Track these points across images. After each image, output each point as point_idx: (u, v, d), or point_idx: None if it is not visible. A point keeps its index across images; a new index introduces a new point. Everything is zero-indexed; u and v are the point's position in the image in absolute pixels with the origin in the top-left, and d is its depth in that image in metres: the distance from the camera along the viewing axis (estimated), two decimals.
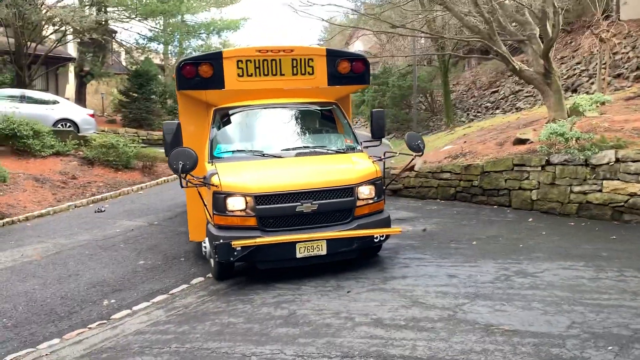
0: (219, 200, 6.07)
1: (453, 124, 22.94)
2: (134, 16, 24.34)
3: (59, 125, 16.63)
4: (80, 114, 17.24)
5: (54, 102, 16.99)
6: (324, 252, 6.06)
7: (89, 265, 7.68)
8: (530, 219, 8.69)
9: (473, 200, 10.23)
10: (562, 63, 21.95)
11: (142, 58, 32.02)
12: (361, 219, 6.32)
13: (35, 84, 24.48)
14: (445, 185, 10.72)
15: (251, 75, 7.19)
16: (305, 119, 7.56)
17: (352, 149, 7.13)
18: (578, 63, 21.36)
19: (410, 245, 7.45)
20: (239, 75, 7.15)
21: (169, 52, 36.55)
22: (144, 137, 22.78)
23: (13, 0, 19.80)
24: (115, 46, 33.64)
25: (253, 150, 6.90)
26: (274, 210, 6.06)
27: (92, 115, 17.76)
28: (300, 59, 7.28)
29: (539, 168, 9.08)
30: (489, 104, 25.57)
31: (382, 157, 7.15)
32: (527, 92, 23.52)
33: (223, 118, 7.29)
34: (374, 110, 8.02)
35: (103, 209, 11.72)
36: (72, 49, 28.94)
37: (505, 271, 5.93)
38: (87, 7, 24.56)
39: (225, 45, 42.31)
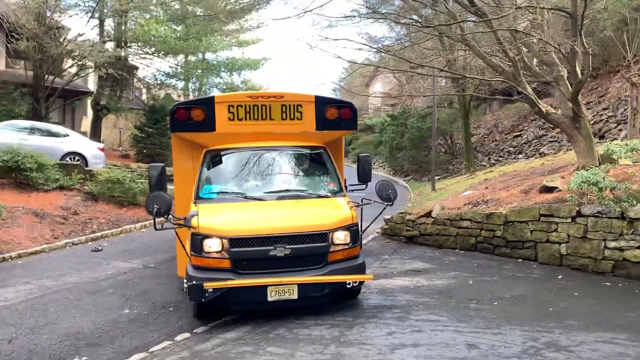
0: (196, 241, 6.18)
1: (474, 168, 22.17)
2: (150, 52, 24.34)
3: (68, 159, 16.24)
4: (89, 148, 16.86)
5: (64, 135, 16.65)
6: (295, 296, 6.06)
7: (69, 312, 6.98)
8: (559, 276, 7.81)
9: (495, 252, 9.39)
10: (588, 108, 21.17)
11: (162, 94, 32.23)
12: (335, 264, 6.32)
13: (52, 117, 24.43)
14: (465, 235, 9.90)
15: (242, 119, 7.35)
16: (292, 162, 7.69)
17: (334, 193, 7.14)
18: (605, 109, 20.59)
19: (425, 304, 6.62)
20: (229, 119, 7.32)
21: (189, 88, 36.81)
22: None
23: (34, 33, 19.89)
24: (136, 82, 33.98)
25: (237, 192, 7.01)
26: (248, 253, 6.15)
27: (102, 150, 17.39)
28: (290, 105, 7.42)
29: (569, 219, 8.25)
30: (511, 149, 24.77)
31: (360, 203, 7.08)
32: (551, 137, 22.72)
33: (212, 159, 7.47)
34: (360, 154, 8.08)
35: (100, 248, 11.10)
36: (91, 83, 29.14)
37: (534, 342, 5.07)
38: (107, 41, 24.68)
39: (245, 83, 42.63)
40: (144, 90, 34.60)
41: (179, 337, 5.92)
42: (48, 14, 20.34)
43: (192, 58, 34.00)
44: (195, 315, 6.72)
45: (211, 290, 5.88)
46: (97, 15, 23.19)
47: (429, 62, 15.95)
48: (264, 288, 5.98)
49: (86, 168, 15.87)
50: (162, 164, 7.34)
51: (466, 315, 6.09)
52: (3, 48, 23.79)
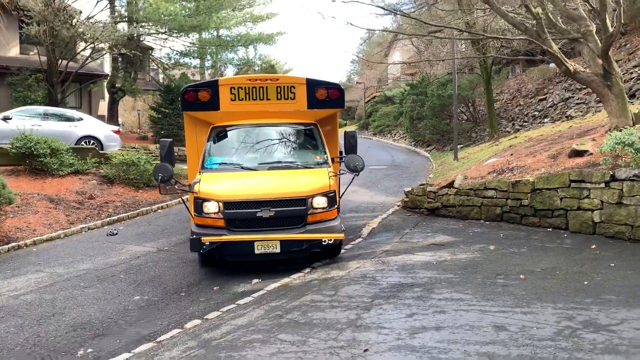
0: (198, 204, 7.48)
1: (497, 135, 21.41)
2: (162, 31, 23.91)
3: (83, 143, 16.08)
4: (104, 131, 16.65)
5: (78, 119, 16.45)
6: (278, 250, 7.30)
7: (78, 300, 6.76)
8: (593, 246, 7.30)
9: (523, 222, 8.88)
10: (618, 67, 20.15)
11: (177, 74, 31.88)
12: (312, 224, 7.43)
13: (68, 101, 24.33)
14: (490, 205, 9.40)
15: (242, 99, 8.60)
16: (285, 137, 8.85)
17: (319, 165, 8.21)
18: (635, 66, 19.57)
19: (448, 281, 6.21)
20: (231, 99, 8.59)
21: (205, 66, 36.40)
22: (175, 154, 22.19)
23: (43, 17, 19.63)
24: (152, 63, 33.70)
25: (235, 163, 8.28)
26: (239, 214, 7.35)
27: (117, 132, 17.18)
28: (284, 86, 8.62)
29: (602, 185, 7.68)
30: (536, 113, 23.85)
31: (338, 173, 8.34)
32: (578, 99, 21.75)
33: (217, 135, 8.74)
34: (346, 130, 9.02)
35: (115, 232, 10.91)
36: (107, 66, 28.95)
37: (569, 321, 4.63)
38: (118, 22, 24.34)
39: (261, 59, 42.02)
40: (160, 71, 34.37)
41: (188, 325, 5.64)
42: None
43: (206, 35, 33.55)
44: (200, 264, 8.12)
45: (208, 243, 7.17)
46: None
47: (447, 26, 15.23)
48: (251, 243, 7.24)
49: (101, 151, 15.70)
50: (170, 140, 8.41)
51: (493, 292, 5.67)
52: (17, 35, 23.64)
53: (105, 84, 26.14)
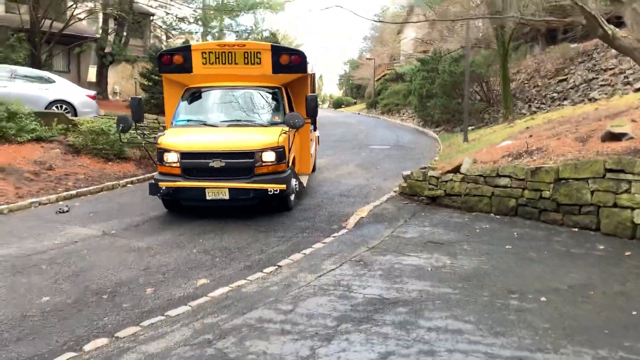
0: (160, 154, 8.34)
1: (512, 116, 19.66)
2: None
3: (54, 108, 14.58)
4: (78, 96, 15.09)
5: (50, 81, 14.91)
6: (227, 197, 8.02)
7: None
8: (628, 253, 5.73)
9: (542, 219, 7.29)
10: None
11: (179, 42, 30.20)
12: (260, 176, 8.08)
13: (54, 64, 22.81)
14: (503, 195, 7.79)
15: (213, 63, 9.46)
16: (249, 98, 9.41)
17: (275, 124, 8.82)
18: None
19: (445, 299, 4.66)
20: (203, 63, 9.47)
21: (208, 33, 34.66)
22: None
23: None
24: (154, 30, 32.01)
25: (199, 120, 9.13)
26: (193, 164, 8.11)
27: (93, 97, 15.61)
28: (251, 52, 9.41)
29: None
30: (555, 95, 21.98)
31: (287, 131, 8.51)
32: (602, 81, 19.87)
33: (188, 95, 9.62)
34: (308, 95, 9.51)
35: (67, 209, 9.44)
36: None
37: None
38: None
39: (269, 31, 40.20)
40: (164, 39, 32.71)
41: (88, 347, 4.15)
42: None
43: (210, 1, 31.84)
44: (164, 205, 8.92)
45: (164, 188, 8.01)
46: None
47: None
48: (202, 189, 7.98)
49: (75, 118, 14.19)
50: (139, 97, 9.48)
51: (504, 321, 4.12)
52: None
53: (95, 47, 24.47)
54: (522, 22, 19.54)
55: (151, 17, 30.96)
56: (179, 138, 8.46)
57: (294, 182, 8.93)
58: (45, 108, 14.35)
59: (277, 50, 9.52)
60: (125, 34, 24.39)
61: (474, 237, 6.82)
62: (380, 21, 33.44)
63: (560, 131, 9.22)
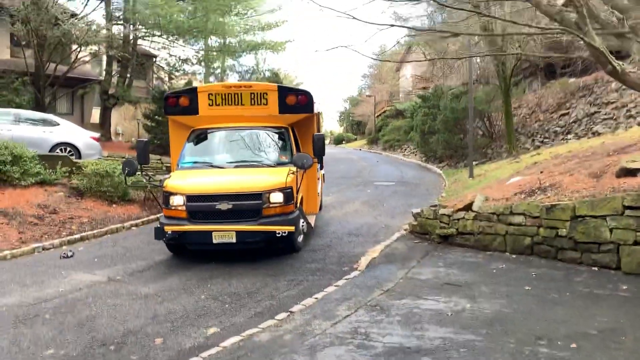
0: (165, 197, 8.23)
1: (517, 151, 19.63)
2: (159, 34, 22.46)
3: (58, 150, 14.55)
4: (82, 138, 15.08)
5: (53, 124, 14.92)
6: (234, 240, 7.80)
7: None
8: None
9: (559, 257, 7.10)
10: None
11: (182, 83, 30.50)
12: (268, 218, 7.89)
13: (57, 107, 22.93)
14: (518, 234, 7.62)
15: (219, 104, 9.38)
16: (255, 138, 9.39)
17: (283, 164, 8.77)
18: None
19: (469, 346, 4.45)
20: (209, 104, 9.38)
21: (210, 74, 35.05)
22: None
23: (26, 15, 18.27)
24: (157, 71, 32.37)
25: (206, 162, 9.04)
26: (200, 206, 7.96)
27: (97, 139, 15.59)
28: (257, 93, 9.34)
29: None
30: (557, 129, 22.02)
31: (295, 171, 8.36)
32: (605, 114, 19.93)
33: (194, 137, 9.54)
34: (315, 134, 9.33)
35: (71, 254, 9.25)
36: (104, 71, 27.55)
37: None
38: (114, 24, 22.95)
39: (270, 70, 40.70)
40: (167, 80, 33.04)
41: None
42: None
43: (213, 43, 32.29)
44: (168, 249, 8.74)
45: (170, 232, 7.89)
46: None
47: (464, 30, 13.58)
48: (209, 233, 7.77)
49: (79, 160, 14.13)
50: (146, 140, 9.55)
51: None
52: (8, 36, 22.35)
53: (98, 89, 24.66)
54: (524, 58, 19.77)
55: (154, 59, 31.35)
56: (184, 180, 8.38)
57: (302, 222, 8.73)
58: (50, 151, 14.31)
59: (284, 91, 9.48)
60: (128, 75, 24.61)
61: (491, 277, 6.63)
62: (383, 60, 33.79)
63: (572, 167, 9.12)
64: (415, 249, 8.40)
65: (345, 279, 7.03)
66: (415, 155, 30.25)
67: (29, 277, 7.82)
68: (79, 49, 20.71)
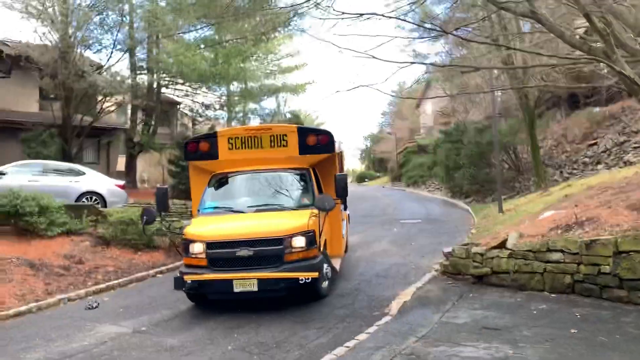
0: (185, 245, 8.02)
1: (545, 184, 19.16)
2: (181, 82, 22.93)
3: (84, 199, 14.67)
4: (107, 186, 15.23)
5: (79, 173, 15.11)
6: (255, 289, 7.43)
7: None
8: None
9: (604, 296, 6.70)
10: None
11: (205, 128, 30.99)
12: (290, 264, 7.56)
13: (84, 157, 23.34)
14: (556, 272, 7.25)
15: (239, 148, 9.23)
16: (276, 181, 9.22)
17: (305, 207, 8.47)
18: None
19: None
20: (229, 148, 9.25)
21: (232, 118, 35.60)
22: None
23: (54, 69, 18.85)
24: (181, 117, 33.02)
25: (226, 207, 8.83)
26: (219, 254, 7.69)
27: (122, 187, 15.73)
28: (277, 135, 9.16)
29: None
30: (586, 159, 21.52)
31: (317, 214, 8.08)
32: (635, 143, 19.46)
33: (214, 182, 9.38)
34: (337, 174, 9.08)
35: (96, 305, 9.12)
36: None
37: None
38: (140, 73, 23.54)
39: (292, 112, 41.20)
40: (190, 125, 33.59)
41: None
42: (61, 47, 19.18)
43: (235, 88, 32.90)
44: (189, 298, 8.46)
45: (190, 281, 7.61)
46: (119, 47, 21.99)
47: (484, 65, 13.52)
48: (230, 281, 7.44)
49: (104, 208, 14.20)
50: (165, 187, 9.40)
51: None
52: (37, 90, 23.02)
53: (123, 137, 25.13)
54: (546, 90, 19.52)
55: (178, 106, 31.99)
56: (204, 227, 8.17)
57: (325, 267, 8.37)
58: (76, 200, 14.44)
59: (304, 132, 9.30)
60: (153, 123, 25.07)
61: (532, 320, 6.26)
62: (403, 97, 33.88)
63: (608, 199, 8.76)
64: (449, 291, 8.06)
65: (377, 325, 6.72)
66: (440, 190, 29.86)
67: (54, 331, 7.69)
68: (104, 99, 21.17)
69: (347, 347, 5.93)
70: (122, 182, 16.19)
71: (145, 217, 8.44)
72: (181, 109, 32.11)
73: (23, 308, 9.03)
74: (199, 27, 23.47)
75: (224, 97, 31.21)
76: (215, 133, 9.64)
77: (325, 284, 8.38)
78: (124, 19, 21.88)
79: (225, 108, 31.10)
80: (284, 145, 9.10)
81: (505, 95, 24.60)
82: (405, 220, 17.84)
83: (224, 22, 20.16)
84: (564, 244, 7.17)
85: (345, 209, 11.32)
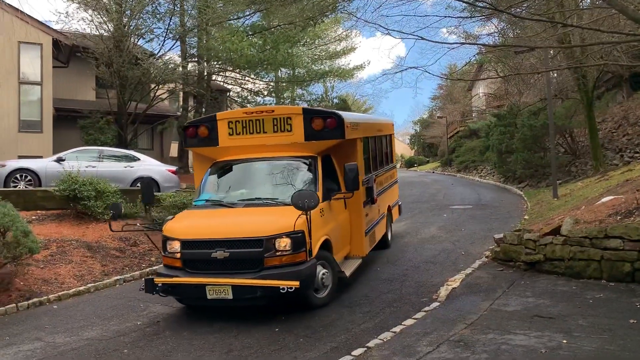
0: (163, 242, 7.28)
1: (604, 168, 18.35)
2: (231, 69, 23.20)
3: (138, 184, 15.14)
4: (160, 171, 15.67)
5: (134, 159, 15.61)
6: (230, 296, 6.57)
7: None
8: None
9: None
10: None
11: None
12: (271, 269, 6.60)
13: (138, 143, 24.06)
14: (615, 259, 6.93)
15: (239, 133, 8.30)
16: (277, 172, 8.15)
17: None
18: None
19: None
20: (229, 134, 8.34)
21: (281, 104, 35.94)
22: None
23: (109, 58, 19.45)
24: (230, 104, 33.59)
25: (216, 200, 7.87)
26: (193, 254, 6.92)
27: (175, 172, 16.12)
28: (280, 118, 8.12)
29: None
30: None
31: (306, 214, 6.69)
32: None
33: (213, 171, 8.49)
34: (346, 164, 7.91)
35: None
36: None
37: None
38: (190, 61, 24.00)
39: (339, 97, 41.05)
40: None
41: None
42: (116, 36, 19.75)
43: (282, 74, 33.08)
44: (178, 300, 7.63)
45: (160, 285, 6.83)
46: (171, 35, 22.41)
47: (538, 44, 12.98)
48: (202, 287, 6.63)
49: (158, 193, 14.62)
50: (149, 177, 9.57)
51: None
52: (93, 79, 23.84)
53: (176, 124, 25.76)
54: (606, 70, 18.58)
55: (227, 93, 32.49)
56: (182, 223, 7.42)
57: (322, 273, 7.23)
58: (131, 185, 14.91)
59: (309, 114, 8.15)
60: (204, 110, 25.52)
61: (588, 309, 6.02)
62: (453, 79, 33.11)
63: None
64: (500, 278, 7.85)
65: (425, 310, 6.64)
66: (493, 176, 29.10)
67: (110, 310, 8.01)
68: (157, 87, 21.72)
69: (394, 332, 5.89)
70: (174, 168, 16.60)
71: (112, 212, 8.22)
72: (230, 96, 32.61)
73: (82, 288, 9.44)
74: (247, 13, 23.80)
75: (272, 84, 31.45)
76: (215, 116, 8.64)
77: (324, 292, 7.31)
78: (176, 7, 22.30)
79: (273, 94, 31.34)
80: (287, 130, 8.08)
81: (561, 77, 23.59)
82: (456, 206, 17.50)
83: (272, 8, 20.35)
84: (624, 231, 6.84)
85: (372, 202, 9.56)
